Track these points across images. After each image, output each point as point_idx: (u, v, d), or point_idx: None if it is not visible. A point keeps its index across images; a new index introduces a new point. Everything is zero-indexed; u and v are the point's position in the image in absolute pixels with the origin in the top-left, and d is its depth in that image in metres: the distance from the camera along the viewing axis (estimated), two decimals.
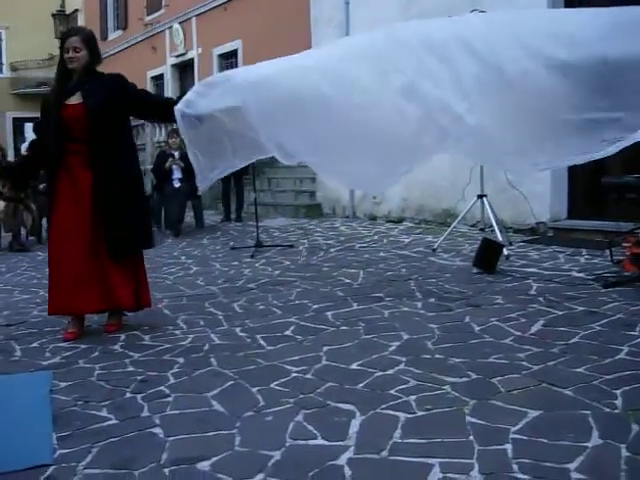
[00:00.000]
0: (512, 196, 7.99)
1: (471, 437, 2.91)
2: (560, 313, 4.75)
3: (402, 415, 3.18)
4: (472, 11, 7.14)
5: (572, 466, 2.60)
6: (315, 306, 5.35)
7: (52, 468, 2.85)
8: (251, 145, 4.94)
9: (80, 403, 3.55)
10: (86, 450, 2.99)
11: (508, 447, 2.80)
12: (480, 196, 7.51)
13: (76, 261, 4.65)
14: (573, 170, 8.00)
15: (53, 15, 26.11)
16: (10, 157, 15.56)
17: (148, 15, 21.51)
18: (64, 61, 4.73)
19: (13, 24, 30.80)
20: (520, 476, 2.56)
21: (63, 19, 25.48)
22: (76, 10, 25.90)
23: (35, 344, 4.67)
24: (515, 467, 2.63)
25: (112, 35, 24.18)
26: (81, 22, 25.66)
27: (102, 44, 23.01)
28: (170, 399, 3.55)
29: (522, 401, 3.24)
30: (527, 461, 2.66)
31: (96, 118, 4.64)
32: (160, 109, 4.99)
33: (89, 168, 4.68)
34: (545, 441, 2.83)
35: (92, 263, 4.68)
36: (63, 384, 3.86)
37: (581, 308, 4.84)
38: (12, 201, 9.65)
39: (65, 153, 4.69)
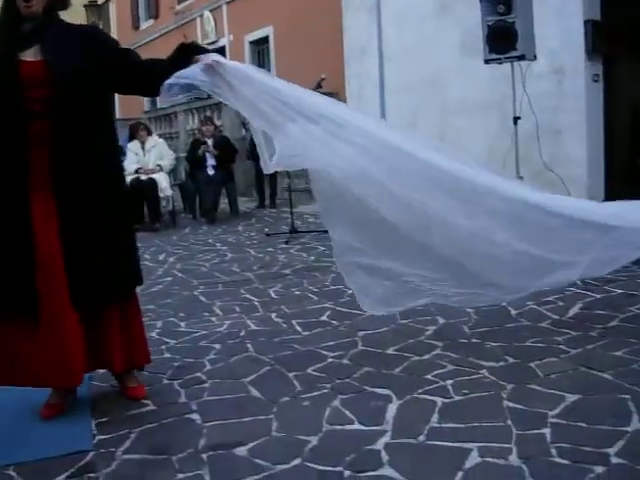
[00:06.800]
0: (549, 179, 7.89)
1: (509, 421, 2.89)
2: (598, 296, 4.70)
3: (439, 400, 3.17)
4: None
5: (612, 450, 2.57)
6: (350, 291, 5.30)
7: (91, 454, 2.88)
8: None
9: (118, 389, 3.59)
10: (124, 436, 3.02)
11: (546, 431, 2.77)
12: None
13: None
14: (610, 152, 7.89)
15: (85, 6, 26.19)
16: None
17: (179, 3, 21.55)
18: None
19: None
20: (559, 460, 2.54)
21: (95, 10, 25.53)
22: (108, 0, 26.02)
23: None
24: (554, 452, 2.61)
25: (144, 25, 24.27)
26: (113, 12, 25.86)
27: (134, 34, 23.21)
28: (207, 385, 3.57)
29: (560, 385, 3.21)
30: (566, 445, 2.64)
31: (64, 83, 3.03)
32: (150, 82, 3.30)
33: (51, 163, 3.07)
34: (584, 425, 2.80)
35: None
36: (101, 370, 3.89)
37: (620, 291, 4.78)
38: None
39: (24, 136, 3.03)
